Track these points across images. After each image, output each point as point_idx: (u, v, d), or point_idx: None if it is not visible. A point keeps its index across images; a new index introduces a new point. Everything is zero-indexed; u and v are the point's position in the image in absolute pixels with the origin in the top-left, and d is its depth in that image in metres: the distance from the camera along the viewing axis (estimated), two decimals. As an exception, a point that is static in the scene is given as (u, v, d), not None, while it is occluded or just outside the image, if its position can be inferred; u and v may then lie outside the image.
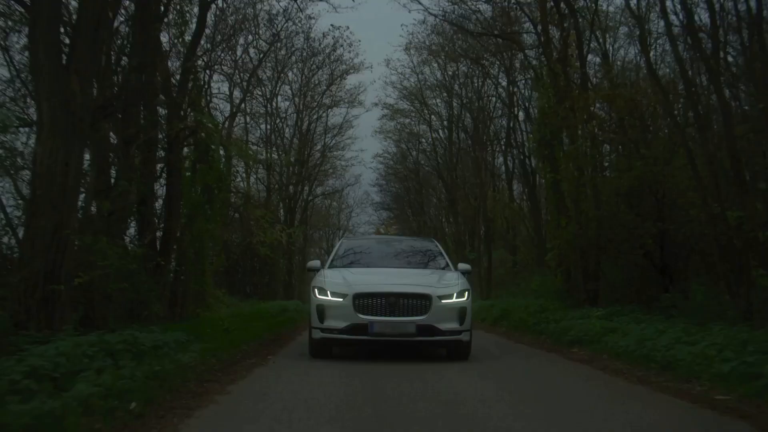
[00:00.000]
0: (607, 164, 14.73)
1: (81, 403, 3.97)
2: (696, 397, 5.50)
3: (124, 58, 9.93)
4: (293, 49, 29.11)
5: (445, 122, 30.03)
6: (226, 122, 23.53)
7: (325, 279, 8.96)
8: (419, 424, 4.57)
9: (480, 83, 24.66)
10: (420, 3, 18.46)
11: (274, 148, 28.88)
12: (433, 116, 32.00)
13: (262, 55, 25.21)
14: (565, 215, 13.43)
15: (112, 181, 9.38)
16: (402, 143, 37.42)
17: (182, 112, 12.31)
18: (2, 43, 9.03)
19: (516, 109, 23.53)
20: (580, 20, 14.30)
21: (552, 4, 13.84)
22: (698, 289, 9.78)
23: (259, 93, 29.29)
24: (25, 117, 8.72)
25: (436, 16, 18.27)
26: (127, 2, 9.85)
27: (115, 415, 4.22)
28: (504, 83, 22.97)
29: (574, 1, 13.34)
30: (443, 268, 9.72)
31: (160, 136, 11.75)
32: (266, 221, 23.63)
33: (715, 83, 9.29)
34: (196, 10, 12.95)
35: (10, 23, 8.92)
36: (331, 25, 13.50)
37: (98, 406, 4.15)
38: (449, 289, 8.58)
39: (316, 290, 8.75)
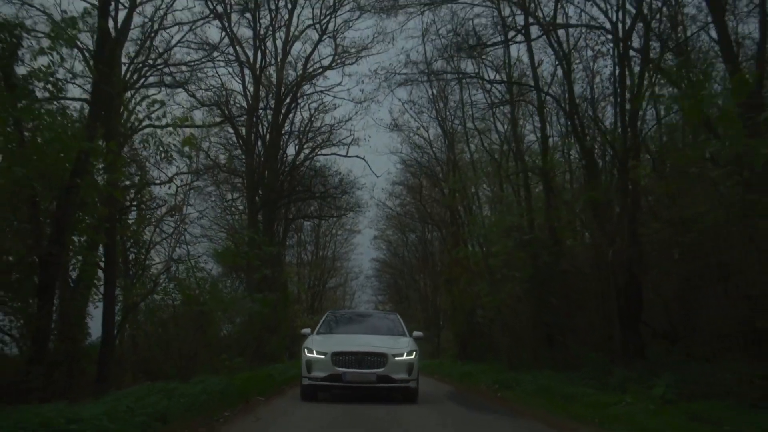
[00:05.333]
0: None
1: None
2: (445, 381, 20.27)
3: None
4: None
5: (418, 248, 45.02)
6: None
7: (313, 341, 11.61)
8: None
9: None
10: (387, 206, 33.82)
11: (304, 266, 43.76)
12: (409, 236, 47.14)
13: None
14: (456, 320, 28.34)
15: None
16: (392, 247, 52.52)
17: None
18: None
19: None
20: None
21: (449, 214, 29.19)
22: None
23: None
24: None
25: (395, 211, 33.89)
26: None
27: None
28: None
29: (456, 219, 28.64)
30: (400, 335, 12.45)
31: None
32: (300, 311, 38.68)
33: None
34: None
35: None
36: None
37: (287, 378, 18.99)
38: (401, 349, 11.25)
39: (305, 350, 11.33)
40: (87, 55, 10.58)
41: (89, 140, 9.18)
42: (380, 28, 21.72)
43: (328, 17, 24.17)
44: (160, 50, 16.71)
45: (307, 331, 12.70)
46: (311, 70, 24.55)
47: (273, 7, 23.30)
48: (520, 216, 17.92)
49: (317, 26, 24.30)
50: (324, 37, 24.24)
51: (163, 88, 17.75)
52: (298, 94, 24.56)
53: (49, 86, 9.84)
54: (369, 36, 27.09)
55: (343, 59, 24.76)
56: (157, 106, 12.12)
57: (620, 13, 12.72)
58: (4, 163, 9.37)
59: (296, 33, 24.20)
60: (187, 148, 14.23)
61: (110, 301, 11.63)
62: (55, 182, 9.24)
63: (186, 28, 16.94)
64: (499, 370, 18.18)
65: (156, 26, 14.77)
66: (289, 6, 23.91)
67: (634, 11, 12.69)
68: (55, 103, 10.37)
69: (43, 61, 9.72)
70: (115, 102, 11.56)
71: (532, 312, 16.47)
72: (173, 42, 16.73)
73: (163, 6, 15.30)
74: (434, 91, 24.67)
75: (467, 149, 23.77)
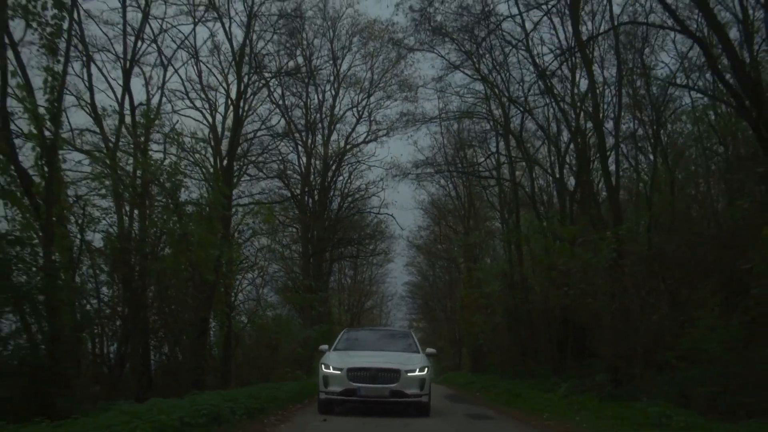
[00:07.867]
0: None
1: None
2: (452, 388, 26.68)
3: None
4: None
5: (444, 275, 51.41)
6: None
7: (330, 357, 12.36)
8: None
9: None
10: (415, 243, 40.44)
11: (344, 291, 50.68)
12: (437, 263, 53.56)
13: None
14: (468, 341, 34.73)
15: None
16: (422, 272, 58.99)
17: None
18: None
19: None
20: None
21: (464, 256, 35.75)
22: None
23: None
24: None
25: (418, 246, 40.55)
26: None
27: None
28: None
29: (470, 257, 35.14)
30: (413, 351, 13.05)
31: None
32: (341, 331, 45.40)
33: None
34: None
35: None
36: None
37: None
38: (413, 365, 11.95)
39: (322, 365, 12.02)
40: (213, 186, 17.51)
41: (221, 246, 16.10)
42: (405, 109, 28.49)
43: (364, 101, 31.18)
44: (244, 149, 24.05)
45: (324, 347, 13.43)
46: (350, 145, 31.57)
47: (321, 98, 30.40)
48: (505, 266, 24.47)
49: (354, 110, 31.35)
50: (361, 120, 31.26)
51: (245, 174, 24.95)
52: (341, 164, 31.54)
53: (197, 207, 16.81)
54: (396, 114, 34.43)
55: (376, 134, 31.66)
56: (255, 208, 19.16)
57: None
58: (173, 258, 16.28)
59: (338, 116, 31.25)
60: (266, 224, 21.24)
61: (229, 334, 18.53)
62: (204, 270, 16.19)
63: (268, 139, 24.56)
64: (492, 380, 24.49)
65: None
66: (333, 92, 30.99)
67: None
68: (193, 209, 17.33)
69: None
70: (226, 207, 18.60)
71: (511, 338, 22.93)
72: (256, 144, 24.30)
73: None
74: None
75: (473, 208, 30.66)
